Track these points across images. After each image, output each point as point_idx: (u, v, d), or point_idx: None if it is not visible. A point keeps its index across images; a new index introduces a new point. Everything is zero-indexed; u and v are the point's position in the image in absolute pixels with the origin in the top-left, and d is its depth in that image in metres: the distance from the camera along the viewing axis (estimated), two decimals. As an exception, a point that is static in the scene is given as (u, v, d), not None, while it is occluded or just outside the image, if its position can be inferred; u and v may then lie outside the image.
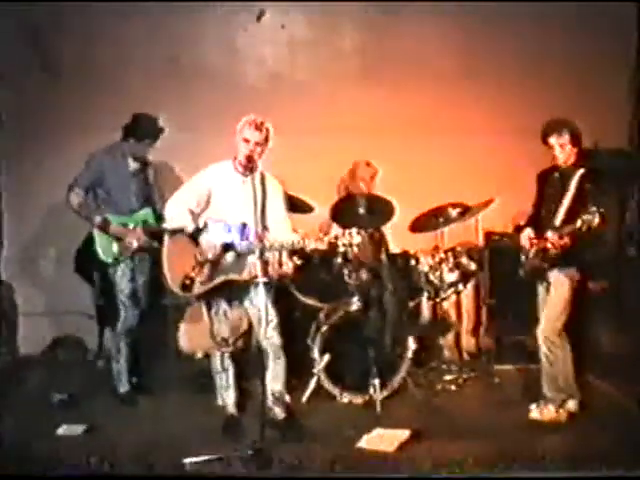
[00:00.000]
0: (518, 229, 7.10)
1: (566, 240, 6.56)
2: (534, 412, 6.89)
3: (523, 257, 6.99)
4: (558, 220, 6.71)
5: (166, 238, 6.76)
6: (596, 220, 6.27)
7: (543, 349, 6.85)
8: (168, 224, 6.79)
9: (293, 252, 6.96)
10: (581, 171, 6.73)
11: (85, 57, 8.81)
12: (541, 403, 6.91)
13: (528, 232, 6.92)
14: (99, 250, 7.45)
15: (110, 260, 7.45)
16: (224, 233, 6.55)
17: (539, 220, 6.96)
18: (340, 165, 8.33)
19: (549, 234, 6.64)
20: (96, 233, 7.44)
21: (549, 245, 6.66)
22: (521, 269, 7.04)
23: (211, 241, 6.59)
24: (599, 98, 8.92)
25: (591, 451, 6.29)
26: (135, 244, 7.42)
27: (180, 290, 6.67)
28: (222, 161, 6.78)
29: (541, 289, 7.01)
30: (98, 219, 7.40)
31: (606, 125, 8.78)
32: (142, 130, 7.54)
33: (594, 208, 6.29)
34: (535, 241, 6.85)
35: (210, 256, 6.56)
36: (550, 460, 6.15)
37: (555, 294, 6.82)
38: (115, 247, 7.44)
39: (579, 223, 6.35)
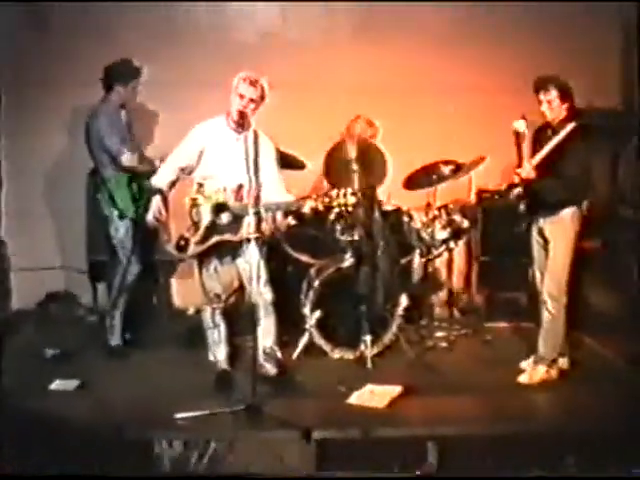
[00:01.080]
0: (510, 187, 7.07)
1: (530, 172, 6.69)
2: (523, 376, 6.91)
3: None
4: (533, 162, 6.75)
5: (159, 197, 6.77)
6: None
7: (548, 306, 6.83)
8: (153, 179, 6.87)
9: (287, 212, 6.96)
10: (572, 125, 6.72)
11: (77, 11, 8.73)
12: (531, 364, 6.95)
13: (519, 190, 6.88)
14: (120, 205, 7.48)
15: (132, 214, 7.46)
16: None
17: None
18: (332, 122, 8.27)
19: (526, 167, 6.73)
20: (115, 189, 7.47)
21: (515, 179, 6.76)
22: (517, 227, 7.10)
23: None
24: (593, 57, 8.89)
25: (581, 409, 6.38)
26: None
27: (175, 250, 6.70)
28: (215, 117, 6.77)
29: (536, 245, 7.02)
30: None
31: (600, 85, 8.77)
32: (124, 73, 7.52)
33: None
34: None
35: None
36: (539, 417, 6.22)
37: (555, 249, 6.80)
38: (132, 201, 7.47)
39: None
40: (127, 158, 7.44)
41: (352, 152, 7.36)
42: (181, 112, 8.09)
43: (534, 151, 6.91)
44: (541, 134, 6.94)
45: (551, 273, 6.84)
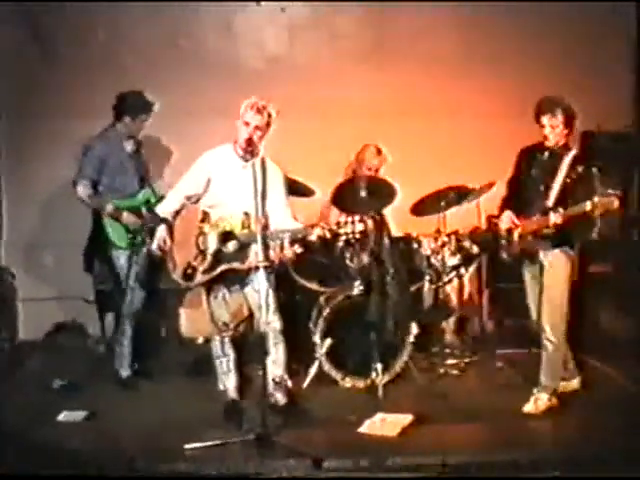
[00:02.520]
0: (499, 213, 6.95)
1: (508, 222, 6.62)
2: (528, 406, 6.77)
3: (503, 240, 6.87)
4: (551, 201, 6.55)
5: (164, 226, 6.75)
6: (615, 203, 6.11)
7: (548, 335, 6.68)
8: (159, 208, 6.87)
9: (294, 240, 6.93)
10: (573, 152, 6.57)
11: (83, 40, 8.77)
12: (535, 393, 6.82)
13: (509, 215, 6.77)
14: (113, 236, 7.46)
15: (125, 245, 7.43)
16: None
17: (522, 200, 6.79)
18: (339, 148, 8.30)
19: (551, 217, 6.44)
20: (107, 220, 7.44)
21: (549, 225, 6.49)
22: (503, 252, 6.91)
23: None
24: (600, 81, 8.90)
25: (592, 433, 6.30)
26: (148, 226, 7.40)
27: (182, 279, 6.67)
28: (222, 145, 6.75)
29: (527, 274, 6.90)
30: (110, 208, 7.39)
31: (608, 108, 8.76)
32: (134, 106, 7.53)
33: (610, 191, 6.16)
34: (518, 223, 6.73)
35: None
36: (551, 444, 6.16)
37: (553, 278, 6.65)
38: (127, 231, 7.44)
39: (589, 206, 6.16)
40: (80, 189, 7.47)
41: (362, 188, 7.34)
42: (190, 141, 8.07)
43: (522, 172, 6.82)
44: (535, 157, 6.76)
45: (550, 301, 6.69)
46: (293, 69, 8.95)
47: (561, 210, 6.43)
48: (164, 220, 6.73)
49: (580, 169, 6.50)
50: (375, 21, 9.09)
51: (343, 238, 6.35)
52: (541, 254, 6.70)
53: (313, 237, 6.39)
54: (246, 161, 6.52)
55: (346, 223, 6.21)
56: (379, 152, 8.04)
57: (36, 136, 8.74)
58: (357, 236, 6.30)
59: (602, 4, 8.85)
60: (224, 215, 6.59)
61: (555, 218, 6.44)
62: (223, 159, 6.68)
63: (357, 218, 6.23)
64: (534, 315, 6.89)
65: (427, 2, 9.00)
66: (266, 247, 6.33)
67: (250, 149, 6.48)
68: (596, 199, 6.16)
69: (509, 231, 6.80)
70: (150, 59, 8.76)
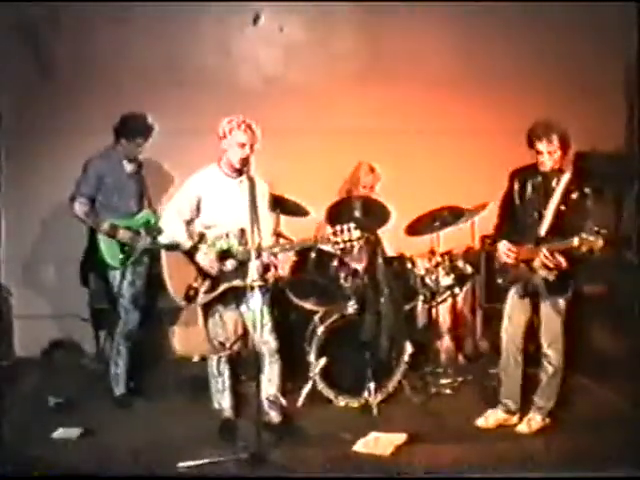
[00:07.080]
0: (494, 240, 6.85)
1: (559, 259, 6.29)
2: (521, 426, 6.81)
3: (497, 264, 6.80)
4: (543, 230, 6.47)
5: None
6: (600, 242, 5.93)
7: (552, 361, 6.68)
8: (165, 238, 6.76)
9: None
10: (567, 176, 6.46)
11: (81, 58, 8.78)
12: (529, 413, 6.85)
13: (505, 245, 6.62)
14: (106, 255, 7.45)
15: (117, 264, 7.44)
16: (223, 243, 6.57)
17: (516, 227, 6.68)
18: (335, 168, 8.32)
19: (543, 249, 6.32)
20: (101, 238, 7.44)
21: (544, 262, 6.34)
22: (500, 277, 6.82)
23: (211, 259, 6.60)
24: (596, 100, 8.90)
25: (587, 454, 6.30)
26: (142, 247, 7.43)
27: (184, 301, 6.67)
28: (208, 166, 6.74)
29: (511, 297, 6.85)
30: (106, 226, 7.40)
31: (603, 128, 8.77)
32: (132, 129, 7.53)
33: (595, 228, 5.99)
34: (515, 251, 6.58)
35: (214, 271, 6.57)
36: (545, 464, 6.17)
37: (552, 309, 6.62)
38: (121, 251, 7.45)
39: (576, 241, 6.01)
40: (76, 207, 7.47)
41: (357, 208, 7.38)
42: (187, 160, 8.04)
43: (513, 195, 6.69)
44: (528, 180, 6.61)
45: (551, 329, 6.67)
46: (291, 89, 8.94)
47: (555, 243, 6.30)
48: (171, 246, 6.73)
49: (575, 194, 6.42)
50: (372, 40, 9.09)
51: (341, 247, 6.31)
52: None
53: (320, 246, 6.40)
54: (234, 179, 6.57)
55: (342, 231, 6.21)
56: (372, 170, 8.08)
57: (35, 153, 8.74)
58: (355, 243, 6.30)
59: (599, 24, 8.87)
60: (220, 234, 6.60)
61: (545, 251, 6.30)
62: (211, 180, 6.66)
63: (352, 225, 6.23)
64: (508, 334, 6.88)
65: (424, 21, 9.02)
66: (262, 266, 6.35)
67: (245, 168, 6.48)
68: (584, 235, 5.98)
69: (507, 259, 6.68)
70: (148, 79, 8.75)
